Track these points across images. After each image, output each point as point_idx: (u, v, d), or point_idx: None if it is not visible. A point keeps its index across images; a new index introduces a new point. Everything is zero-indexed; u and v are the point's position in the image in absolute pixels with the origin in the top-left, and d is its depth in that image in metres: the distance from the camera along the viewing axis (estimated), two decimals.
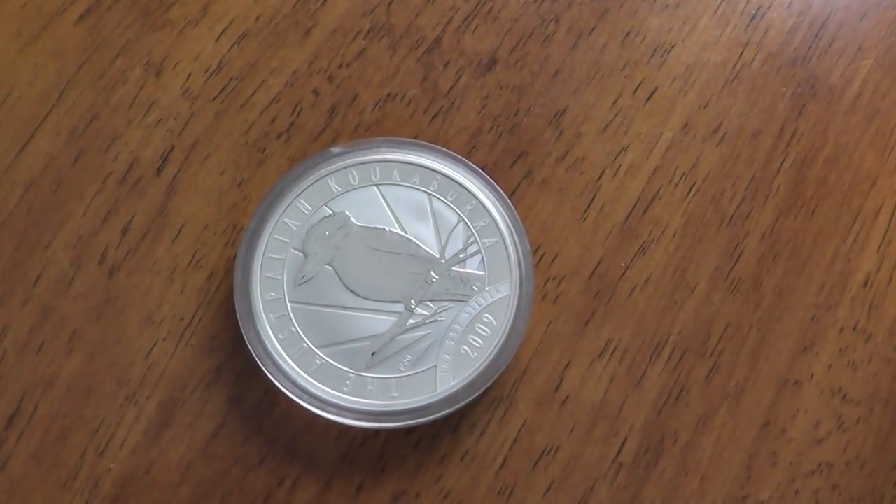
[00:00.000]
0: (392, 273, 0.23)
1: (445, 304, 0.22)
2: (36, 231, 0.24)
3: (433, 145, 0.24)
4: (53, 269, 0.24)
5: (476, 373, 0.22)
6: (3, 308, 0.23)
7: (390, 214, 0.23)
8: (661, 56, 0.26)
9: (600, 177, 0.25)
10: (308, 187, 0.23)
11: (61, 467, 0.22)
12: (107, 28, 0.25)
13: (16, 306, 0.23)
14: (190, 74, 0.25)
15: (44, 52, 0.25)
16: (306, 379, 0.22)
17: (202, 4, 0.26)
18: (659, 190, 0.25)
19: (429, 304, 0.22)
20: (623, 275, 0.24)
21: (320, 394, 0.22)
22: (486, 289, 0.23)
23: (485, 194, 0.23)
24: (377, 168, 0.23)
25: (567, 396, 0.23)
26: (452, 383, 0.22)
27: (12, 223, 0.24)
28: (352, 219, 0.23)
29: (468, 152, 0.25)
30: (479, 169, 0.23)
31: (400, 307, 0.22)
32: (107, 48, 0.25)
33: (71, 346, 0.23)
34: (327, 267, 0.22)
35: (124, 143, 0.24)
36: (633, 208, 0.25)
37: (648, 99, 0.25)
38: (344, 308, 0.22)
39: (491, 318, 0.22)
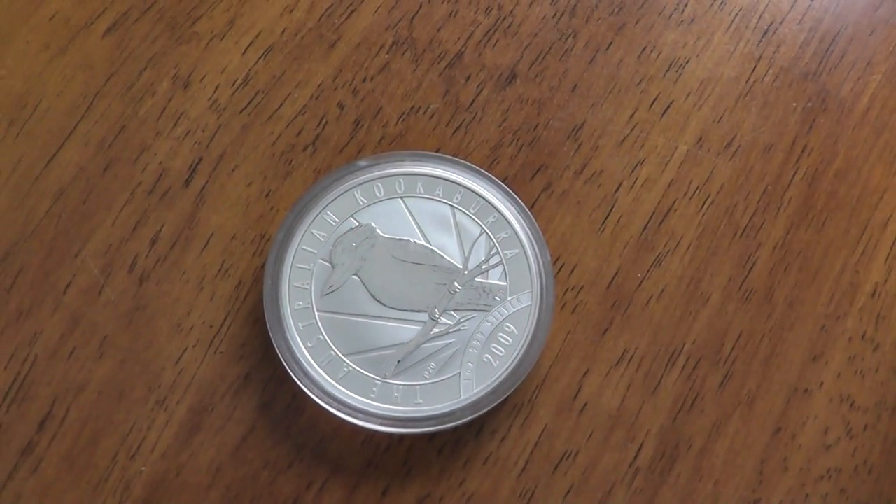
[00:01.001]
0: (416, 283, 0.23)
1: (468, 313, 0.23)
2: (66, 240, 0.24)
3: (456, 158, 0.24)
4: (83, 278, 0.24)
5: (498, 380, 0.23)
6: (33, 315, 0.24)
7: (415, 226, 0.23)
8: (677, 71, 0.26)
9: (617, 189, 0.25)
10: (335, 199, 0.23)
11: (93, 470, 0.23)
12: (134, 41, 0.26)
13: (46, 313, 0.24)
14: (217, 87, 0.25)
15: (72, 64, 0.26)
16: (334, 386, 0.22)
17: (228, 18, 0.26)
18: (674, 203, 0.25)
19: (452, 313, 0.23)
20: (639, 285, 0.25)
21: (348, 400, 0.22)
22: (508, 299, 0.23)
23: (506, 206, 0.24)
24: (402, 181, 0.24)
25: (586, 403, 0.24)
26: (475, 390, 0.23)
27: (42, 232, 0.24)
28: (377, 230, 0.23)
29: (489, 165, 0.25)
30: (500, 182, 0.24)
31: (424, 316, 0.23)
32: (134, 61, 0.26)
33: (101, 353, 0.24)
34: (354, 277, 0.23)
35: (153, 155, 0.25)
36: (649, 220, 0.25)
37: (664, 113, 0.26)
38: (370, 317, 0.23)
39: (512, 327, 0.23)
